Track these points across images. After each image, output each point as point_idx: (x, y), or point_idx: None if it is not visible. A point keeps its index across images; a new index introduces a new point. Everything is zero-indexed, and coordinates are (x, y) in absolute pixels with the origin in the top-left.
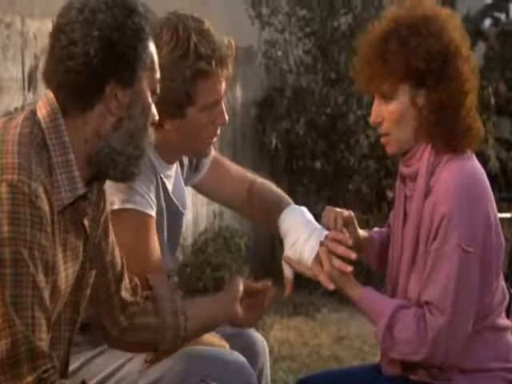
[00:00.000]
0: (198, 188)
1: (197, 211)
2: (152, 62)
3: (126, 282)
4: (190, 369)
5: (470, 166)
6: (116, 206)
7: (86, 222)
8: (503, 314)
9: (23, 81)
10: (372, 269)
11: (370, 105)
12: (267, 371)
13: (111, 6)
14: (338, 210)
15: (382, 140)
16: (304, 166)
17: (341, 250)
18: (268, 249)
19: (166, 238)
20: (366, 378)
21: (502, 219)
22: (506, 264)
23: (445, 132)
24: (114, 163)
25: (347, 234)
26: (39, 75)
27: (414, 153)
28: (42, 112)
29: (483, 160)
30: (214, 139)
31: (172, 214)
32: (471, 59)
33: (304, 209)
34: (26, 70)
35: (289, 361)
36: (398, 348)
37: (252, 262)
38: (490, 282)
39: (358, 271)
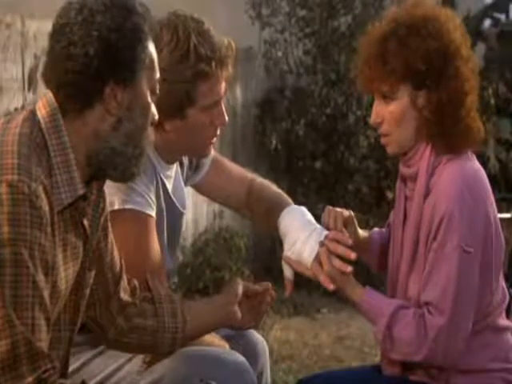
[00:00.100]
0: (198, 188)
1: (197, 211)
2: (151, 61)
3: (124, 283)
4: (190, 369)
5: (470, 167)
6: (116, 207)
7: (85, 222)
8: (503, 314)
9: (23, 81)
10: (372, 269)
11: (370, 105)
12: (267, 371)
13: (110, 7)
14: (338, 210)
15: (382, 140)
16: (304, 167)
17: (341, 249)
18: (268, 249)
19: (165, 238)
20: (366, 379)
21: (501, 219)
22: (506, 264)
23: (445, 132)
24: (113, 163)
25: (347, 234)
26: (39, 75)
27: (414, 153)
28: (41, 112)
29: (483, 160)
30: (214, 140)
31: (172, 214)
32: (471, 60)
33: (304, 209)
34: (26, 70)
35: (289, 361)
36: (397, 348)
37: (252, 263)
38: (490, 282)
39: (358, 271)
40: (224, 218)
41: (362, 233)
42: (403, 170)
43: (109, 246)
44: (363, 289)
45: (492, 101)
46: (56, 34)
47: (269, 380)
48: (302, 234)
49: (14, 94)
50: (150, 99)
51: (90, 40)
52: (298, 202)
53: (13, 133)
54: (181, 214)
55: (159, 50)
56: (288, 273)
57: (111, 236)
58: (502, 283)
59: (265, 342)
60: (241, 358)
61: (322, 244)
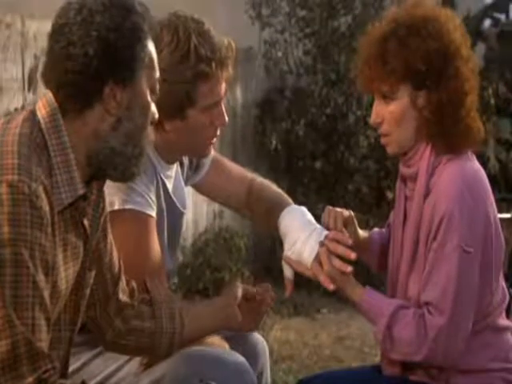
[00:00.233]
0: (198, 188)
1: (197, 212)
2: (151, 60)
3: (123, 284)
4: (190, 369)
5: (470, 167)
6: (116, 207)
7: (85, 222)
8: (503, 314)
9: (23, 81)
10: (372, 269)
11: (370, 105)
12: (267, 372)
13: (109, 7)
14: (338, 210)
15: (382, 140)
16: (304, 167)
17: (340, 249)
18: (268, 249)
19: (166, 238)
20: (366, 379)
21: (501, 219)
22: (506, 264)
23: (445, 132)
24: (113, 163)
25: (347, 234)
26: (39, 75)
27: (414, 153)
28: (41, 112)
29: (483, 160)
30: (214, 140)
31: (172, 213)
32: (471, 60)
33: (304, 209)
34: (26, 70)
35: (289, 361)
36: (397, 348)
37: (252, 263)
38: (490, 282)
39: (358, 271)
40: (224, 218)
41: (361, 233)
42: (403, 170)
43: (108, 247)
44: (363, 289)
45: (492, 101)
46: (55, 34)
47: (269, 380)
48: (302, 233)
49: (14, 94)
50: (149, 98)
51: (90, 40)
52: (298, 202)
53: (13, 133)
54: (181, 214)
55: (159, 51)
56: (288, 273)
57: (110, 237)
58: (502, 283)
59: (265, 343)
60: (241, 359)
61: (322, 244)
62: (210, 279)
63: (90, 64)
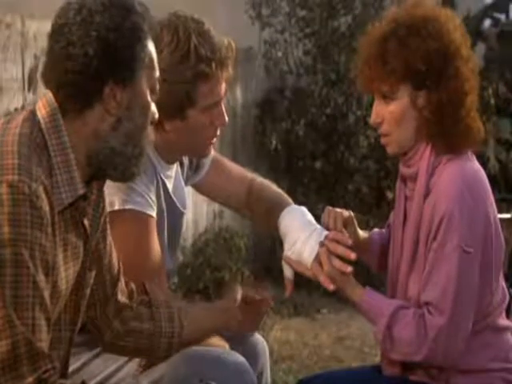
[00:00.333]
0: (198, 188)
1: (197, 212)
2: (151, 60)
3: (122, 285)
4: (190, 369)
5: (470, 167)
6: (116, 207)
7: (86, 222)
8: (503, 314)
9: (23, 81)
10: (372, 269)
11: (370, 105)
12: (267, 372)
13: (108, 7)
14: (338, 210)
15: (383, 140)
16: (304, 167)
17: (340, 250)
18: (268, 249)
19: (166, 238)
20: (366, 379)
21: (501, 220)
22: (505, 264)
23: (445, 132)
24: (113, 163)
25: (347, 235)
26: (39, 75)
27: (414, 153)
28: (41, 112)
29: (483, 161)
30: (214, 140)
31: (172, 213)
32: (471, 60)
33: (304, 209)
34: (26, 70)
35: (289, 361)
36: (397, 348)
37: (252, 263)
38: (490, 283)
39: (358, 271)
40: (224, 218)
41: (361, 233)
42: (403, 170)
43: (107, 248)
44: (363, 289)
45: (492, 101)
46: (55, 34)
47: (269, 380)
48: (302, 233)
49: (14, 94)
50: (149, 98)
51: (89, 40)
52: (298, 202)
53: (13, 133)
54: (181, 214)
55: (159, 51)
56: (288, 273)
57: (110, 238)
58: (502, 283)
59: (265, 343)
60: (241, 359)
61: (322, 244)
62: (210, 279)
63: (89, 64)
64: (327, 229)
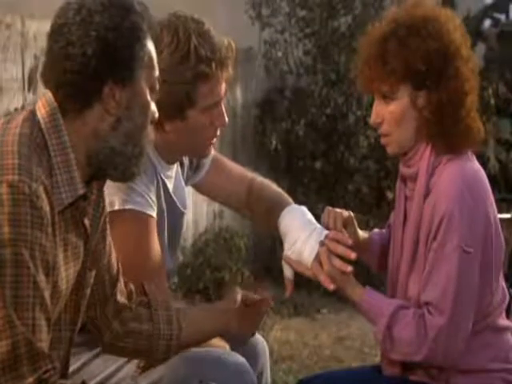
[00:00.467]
0: (198, 187)
1: (197, 212)
2: (150, 59)
3: (121, 286)
4: (190, 370)
5: (470, 167)
6: (116, 207)
7: (86, 222)
8: (503, 315)
9: (23, 81)
10: (372, 269)
11: (370, 105)
12: (267, 372)
13: (108, 6)
14: (338, 210)
15: (383, 140)
16: (304, 167)
17: (341, 249)
18: (268, 249)
19: (166, 238)
20: (366, 379)
21: (501, 220)
22: (506, 264)
23: (445, 132)
24: (113, 163)
25: (346, 235)
26: (39, 75)
27: (414, 153)
28: (41, 112)
29: (483, 161)
30: (214, 140)
31: (173, 213)
32: (471, 60)
33: (304, 208)
34: (26, 70)
35: (289, 361)
36: (397, 348)
37: (252, 263)
38: (490, 283)
39: (358, 271)
40: (224, 218)
41: (361, 233)
42: (403, 170)
43: (107, 249)
44: (363, 289)
45: (492, 101)
46: (54, 34)
47: (269, 380)
48: (302, 233)
49: (14, 94)
50: (149, 98)
51: (88, 40)
52: (298, 202)
53: (13, 133)
54: (181, 214)
55: (159, 52)
56: (288, 273)
57: (109, 238)
58: (502, 283)
59: (265, 343)
60: (241, 359)
61: (322, 244)
62: (210, 279)
63: (88, 64)
64: (327, 229)
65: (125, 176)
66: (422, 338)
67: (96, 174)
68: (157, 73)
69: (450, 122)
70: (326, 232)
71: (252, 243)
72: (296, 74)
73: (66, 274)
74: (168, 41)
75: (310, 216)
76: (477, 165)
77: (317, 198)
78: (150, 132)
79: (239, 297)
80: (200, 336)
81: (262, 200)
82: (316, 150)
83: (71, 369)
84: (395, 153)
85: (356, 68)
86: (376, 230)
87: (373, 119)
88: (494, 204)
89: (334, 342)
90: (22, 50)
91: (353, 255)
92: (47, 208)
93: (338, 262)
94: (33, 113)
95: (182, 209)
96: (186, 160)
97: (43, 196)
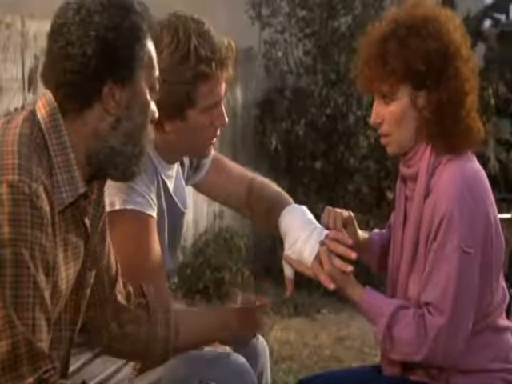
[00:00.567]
0: (199, 187)
1: (197, 212)
2: (150, 59)
3: (120, 286)
4: (190, 370)
5: (470, 167)
6: (117, 207)
7: (86, 221)
8: (503, 315)
9: (23, 81)
10: (372, 269)
11: (370, 106)
12: (267, 372)
13: (107, 6)
14: (338, 210)
15: (383, 141)
16: (304, 167)
17: (341, 249)
18: (268, 249)
19: (166, 238)
20: (366, 379)
21: (501, 220)
22: (506, 264)
23: (445, 132)
24: (114, 163)
25: (346, 235)
26: (39, 75)
27: (414, 153)
28: (41, 112)
29: (483, 161)
30: (214, 140)
31: (173, 213)
32: (471, 60)
33: (304, 208)
34: (26, 70)
35: (289, 361)
36: (397, 348)
37: (252, 263)
38: (490, 283)
39: (358, 271)
40: (224, 218)
41: (361, 234)
42: (403, 170)
43: (106, 249)
44: (363, 289)
45: (492, 101)
46: (54, 34)
47: (269, 380)
48: (302, 233)
49: (14, 94)
50: (149, 97)
51: (88, 40)
52: (298, 202)
53: (13, 133)
54: (182, 214)
55: (159, 52)
56: (288, 272)
57: (108, 239)
58: (502, 283)
59: (265, 343)
60: (241, 359)
61: (322, 243)
62: (210, 279)
63: (88, 64)
64: (327, 229)
65: (125, 176)
66: (422, 338)
67: (96, 174)
68: (157, 73)
69: (450, 122)
70: (326, 232)
71: (252, 243)
72: (296, 74)
73: (66, 273)
74: (168, 41)
75: (310, 216)
76: (477, 165)
77: (317, 197)
78: (150, 132)
79: (239, 299)
80: (199, 339)
81: (262, 200)
82: (316, 150)
83: (71, 369)
84: (395, 153)
85: (356, 68)
86: (376, 230)
87: (373, 119)
88: (494, 204)
89: (334, 341)
90: (22, 50)
91: (353, 255)
92: (47, 208)
93: (338, 262)
94: (33, 113)
95: (182, 209)
96: (186, 160)
97: (43, 196)
